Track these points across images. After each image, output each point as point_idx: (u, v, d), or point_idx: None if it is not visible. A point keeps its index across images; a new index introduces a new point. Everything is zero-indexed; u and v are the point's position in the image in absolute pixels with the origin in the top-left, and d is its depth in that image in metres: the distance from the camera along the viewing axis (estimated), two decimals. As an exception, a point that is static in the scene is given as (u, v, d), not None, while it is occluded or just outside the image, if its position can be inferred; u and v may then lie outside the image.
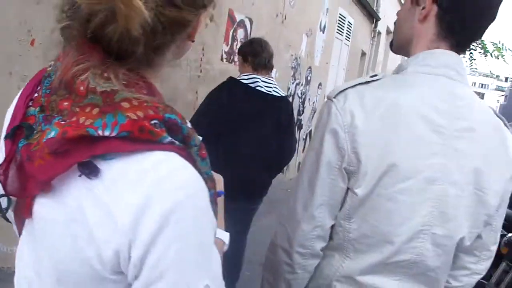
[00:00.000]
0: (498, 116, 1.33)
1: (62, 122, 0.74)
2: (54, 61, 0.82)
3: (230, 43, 5.78)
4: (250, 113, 3.06)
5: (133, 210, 0.71)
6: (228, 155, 2.91)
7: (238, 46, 5.66)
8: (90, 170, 0.73)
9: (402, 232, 1.23)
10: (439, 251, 1.28)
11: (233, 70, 5.78)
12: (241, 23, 5.91)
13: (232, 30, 5.74)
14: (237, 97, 3.05)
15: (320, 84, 9.57)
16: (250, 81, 3.10)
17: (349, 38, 10.92)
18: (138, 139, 0.72)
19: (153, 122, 0.73)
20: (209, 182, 0.82)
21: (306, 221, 1.28)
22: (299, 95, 8.48)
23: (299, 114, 8.58)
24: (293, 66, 7.89)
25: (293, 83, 7.98)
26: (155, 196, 0.72)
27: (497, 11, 1.25)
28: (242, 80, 3.12)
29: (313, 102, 9.39)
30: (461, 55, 1.32)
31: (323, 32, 9.14)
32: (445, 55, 1.26)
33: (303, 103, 8.73)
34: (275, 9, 6.83)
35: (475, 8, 1.22)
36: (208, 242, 0.80)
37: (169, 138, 0.75)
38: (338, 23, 9.97)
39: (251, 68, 3.18)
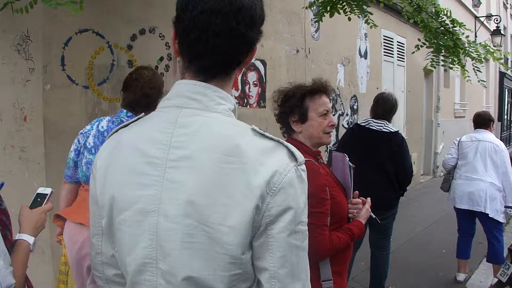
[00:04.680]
0: (268, 138, 1.16)
1: None
2: None
3: (240, 87, 5.82)
4: (367, 145, 4.26)
5: None
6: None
7: (250, 89, 5.70)
8: None
9: (130, 263, 1.20)
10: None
11: (247, 113, 5.82)
12: (251, 67, 5.95)
13: (240, 75, 5.79)
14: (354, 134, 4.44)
15: (373, 110, 9.25)
16: (365, 123, 4.41)
17: (403, 58, 10.52)
18: None
19: None
20: None
21: (91, 247, 1.35)
22: (345, 125, 8.26)
23: (349, 145, 8.33)
24: (331, 98, 7.72)
25: (334, 115, 7.79)
26: None
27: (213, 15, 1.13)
28: (360, 123, 4.50)
29: (348, 128, 9.07)
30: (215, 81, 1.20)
31: (365, 58, 8.91)
32: (180, 85, 1.22)
33: (352, 133, 8.46)
34: (293, 45, 6.80)
35: (185, 23, 1.16)
36: None
37: None
38: (384, 45, 9.67)
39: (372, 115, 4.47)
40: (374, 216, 2.58)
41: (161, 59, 4.69)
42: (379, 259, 4.55)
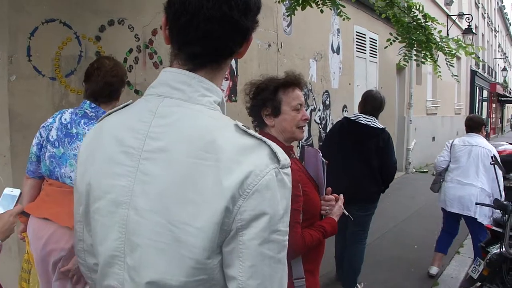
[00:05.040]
0: (250, 135, 1.08)
1: None
2: None
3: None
4: (355, 139, 4.44)
5: None
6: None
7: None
8: None
9: (101, 253, 1.17)
10: (132, 286, 1.12)
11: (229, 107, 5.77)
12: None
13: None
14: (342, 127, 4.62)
15: (345, 106, 9.30)
16: (354, 117, 4.55)
17: (376, 55, 10.60)
18: None
19: None
20: None
21: (74, 233, 1.33)
22: (317, 121, 8.27)
23: (320, 140, 8.35)
24: (303, 92, 7.73)
25: (306, 110, 7.80)
26: None
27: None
28: (349, 117, 4.66)
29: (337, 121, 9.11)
30: (205, 71, 1.15)
31: (338, 53, 8.94)
32: (165, 73, 1.16)
33: (324, 128, 8.50)
34: (265, 39, 6.78)
35: (175, 7, 1.11)
36: None
37: None
38: (357, 41, 9.72)
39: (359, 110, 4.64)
40: (347, 214, 2.56)
41: (130, 51, 4.59)
42: (354, 253, 4.59)
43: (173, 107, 1.11)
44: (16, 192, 1.81)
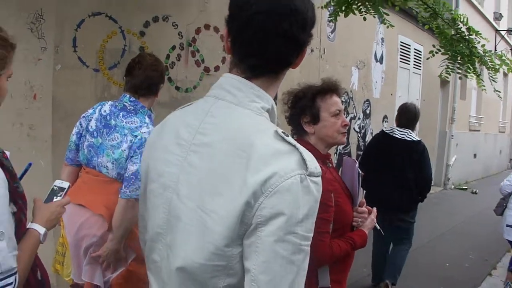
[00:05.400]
0: (287, 142, 1.13)
1: None
2: None
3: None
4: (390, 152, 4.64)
5: None
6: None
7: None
8: None
9: (149, 229, 1.32)
10: (166, 265, 1.24)
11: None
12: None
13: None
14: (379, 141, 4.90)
15: (385, 116, 9.18)
16: (389, 131, 4.77)
17: (420, 66, 10.43)
18: None
19: None
20: (8, 174, 1.45)
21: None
22: (356, 129, 8.20)
23: (359, 149, 8.27)
24: (344, 100, 7.69)
25: (346, 117, 7.73)
26: None
27: (263, 21, 1.16)
28: (385, 131, 4.88)
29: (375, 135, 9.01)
30: (261, 79, 1.23)
31: (381, 63, 8.85)
32: (223, 78, 1.27)
33: (363, 137, 8.41)
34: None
35: (239, 21, 1.19)
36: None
37: None
38: (401, 52, 9.60)
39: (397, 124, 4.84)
40: (379, 228, 2.54)
41: (173, 47, 4.67)
42: (398, 253, 4.85)
43: (224, 108, 1.22)
44: (65, 184, 1.88)
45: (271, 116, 1.25)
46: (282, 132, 1.15)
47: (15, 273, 1.42)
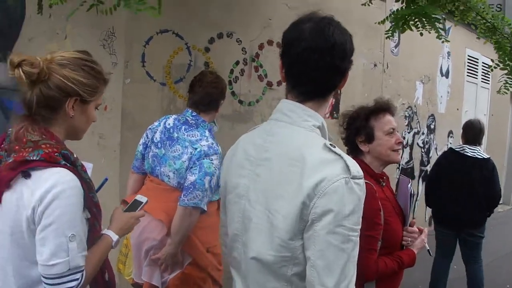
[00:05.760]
0: (333, 152, 1.37)
1: (15, 155, 1.59)
2: (11, 130, 1.64)
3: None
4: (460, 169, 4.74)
5: (43, 191, 1.53)
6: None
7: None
8: (26, 174, 1.57)
9: (229, 232, 1.62)
10: (244, 259, 1.52)
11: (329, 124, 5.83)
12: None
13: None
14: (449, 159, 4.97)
15: (451, 132, 8.97)
16: (460, 149, 4.87)
17: (488, 80, 10.13)
18: (48, 161, 1.56)
19: (55, 153, 1.58)
20: (86, 184, 1.64)
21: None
22: (420, 144, 8.07)
23: (422, 164, 8.13)
24: (407, 115, 7.61)
25: (409, 132, 7.66)
26: (53, 186, 1.53)
27: (318, 55, 1.39)
28: (455, 149, 5.00)
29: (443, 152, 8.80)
30: (311, 102, 1.48)
31: (447, 77, 8.69)
32: (282, 103, 1.54)
33: (427, 153, 8.26)
34: (371, 59, 6.75)
35: (290, 58, 1.46)
36: (73, 211, 1.57)
37: (63, 162, 1.59)
38: (468, 66, 9.38)
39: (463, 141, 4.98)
40: (428, 248, 2.54)
41: (237, 63, 4.83)
42: (475, 271, 4.95)
43: (281, 128, 1.49)
44: (144, 199, 2.05)
45: (322, 132, 1.49)
46: (330, 144, 1.39)
47: (82, 271, 1.59)
